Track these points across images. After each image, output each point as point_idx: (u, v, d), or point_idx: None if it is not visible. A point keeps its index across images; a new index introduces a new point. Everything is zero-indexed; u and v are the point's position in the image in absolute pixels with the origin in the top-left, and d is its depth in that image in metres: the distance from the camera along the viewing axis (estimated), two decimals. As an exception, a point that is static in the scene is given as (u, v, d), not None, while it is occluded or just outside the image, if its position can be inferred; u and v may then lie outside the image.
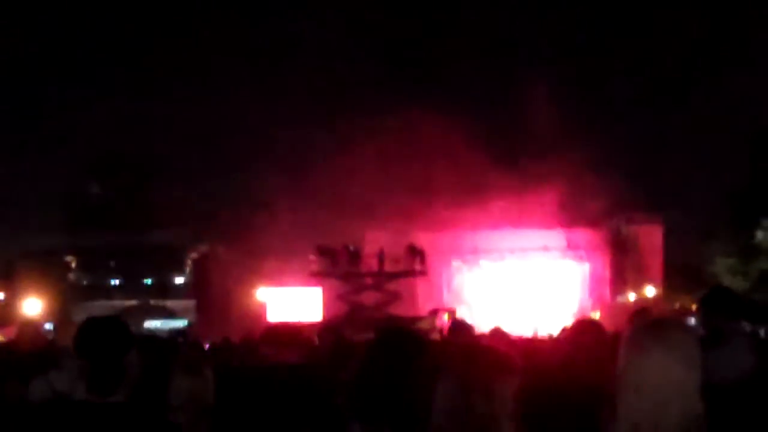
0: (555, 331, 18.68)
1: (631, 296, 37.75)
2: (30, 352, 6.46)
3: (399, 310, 32.97)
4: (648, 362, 2.84)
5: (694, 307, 38.78)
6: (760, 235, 38.51)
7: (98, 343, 3.35)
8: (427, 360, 3.78)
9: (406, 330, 4.21)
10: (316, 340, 8.99)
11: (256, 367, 6.09)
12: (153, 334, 17.05)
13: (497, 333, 8.75)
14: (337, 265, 35.72)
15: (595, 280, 37.46)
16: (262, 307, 36.46)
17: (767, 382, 4.42)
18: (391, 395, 3.61)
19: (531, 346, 9.72)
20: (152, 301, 43.17)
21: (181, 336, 17.93)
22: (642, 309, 6.67)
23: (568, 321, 16.90)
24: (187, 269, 44.51)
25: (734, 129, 41.56)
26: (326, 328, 10.03)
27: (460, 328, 8.74)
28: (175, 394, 5.61)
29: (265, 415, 4.88)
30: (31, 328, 7.99)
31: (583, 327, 5.08)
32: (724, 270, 38.89)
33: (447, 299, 35.93)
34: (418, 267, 34.98)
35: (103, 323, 3.45)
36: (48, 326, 28.48)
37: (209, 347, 13.17)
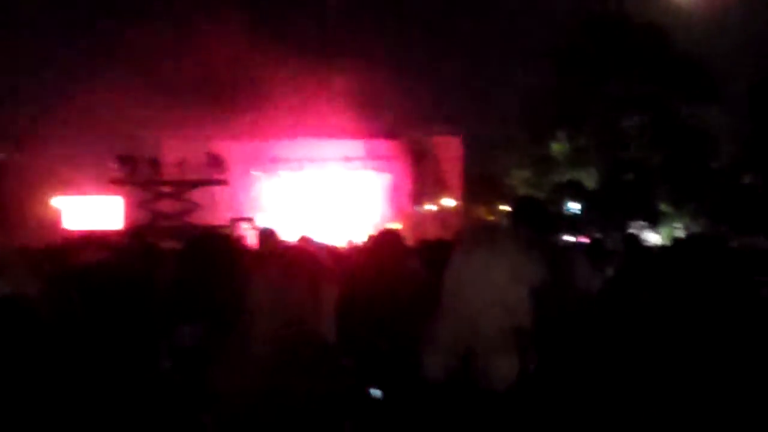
0: (357, 241, 19.01)
1: (432, 207, 38.57)
2: None
3: (199, 219, 32.70)
4: (471, 266, 2.82)
5: (491, 218, 40.12)
6: (554, 147, 39.59)
7: None
8: (239, 260, 3.82)
9: (219, 234, 4.21)
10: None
11: (70, 269, 5.88)
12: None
13: (306, 241, 8.86)
14: (136, 174, 35.02)
15: (395, 191, 38.10)
16: (58, 215, 35.53)
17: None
18: (210, 295, 3.70)
19: (338, 254, 9.81)
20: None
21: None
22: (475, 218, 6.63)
23: (370, 231, 17.09)
24: (-19, 176, 42.75)
25: (532, 41, 42.38)
26: (131, 233, 9.96)
27: (268, 235, 8.90)
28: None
29: (95, 313, 4.73)
30: None
31: (385, 237, 5.19)
32: (520, 182, 40.05)
33: (247, 209, 35.93)
34: (218, 176, 34.70)
35: None
36: None
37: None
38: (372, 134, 37.49)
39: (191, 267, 3.98)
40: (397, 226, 30.58)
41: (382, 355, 4.12)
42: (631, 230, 33.91)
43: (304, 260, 2.91)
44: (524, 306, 2.91)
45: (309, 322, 2.75)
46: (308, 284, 2.79)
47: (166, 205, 35.18)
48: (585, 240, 19.22)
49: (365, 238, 11.49)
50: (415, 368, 3.07)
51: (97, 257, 5.70)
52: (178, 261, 4.16)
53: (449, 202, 39.17)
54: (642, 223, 35.46)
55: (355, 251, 11.36)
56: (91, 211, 35.84)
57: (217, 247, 4.05)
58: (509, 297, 2.88)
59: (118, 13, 37.21)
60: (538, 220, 4.98)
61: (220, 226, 27.58)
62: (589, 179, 39.49)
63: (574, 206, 38.90)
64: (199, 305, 3.76)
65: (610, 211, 36.46)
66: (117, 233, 18.28)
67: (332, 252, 8.52)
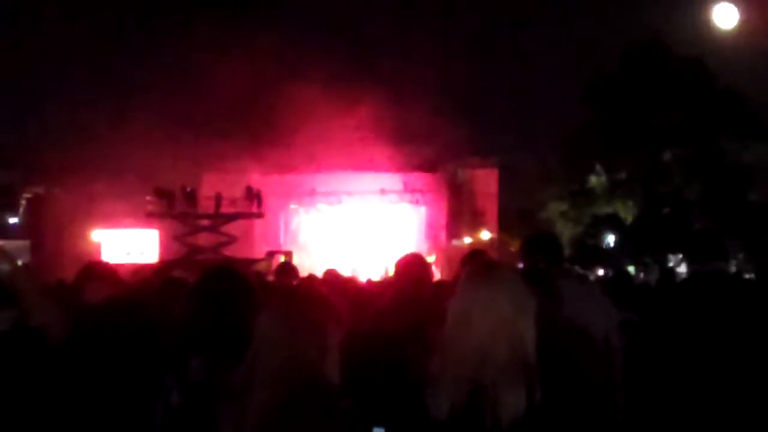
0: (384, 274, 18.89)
1: (467, 240, 38.38)
2: None
3: (236, 252, 32.75)
4: (476, 298, 2.82)
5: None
6: (593, 179, 39.44)
7: None
8: (250, 295, 3.86)
9: (229, 268, 4.29)
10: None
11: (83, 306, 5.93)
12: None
13: (330, 275, 8.80)
14: (173, 207, 35.21)
15: (431, 224, 38.01)
16: (97, 248, 35.77)
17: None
18: (218, 329, 3.65)
19: (361, 288, 9.71)
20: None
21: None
22: (476, 252, 6.65)
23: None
24: (21, 210, 43.22)
25: (569, 74, 42.32)
26: (157, 268, 10.04)
27: (285, 269, 8.85)
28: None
29: (106, 354, 4.74)
30: None
31: (409, 264, 5.06)
32: (557, 215, 39.88)
33: (284, 242, 35.96)
34: (255, 209, 34.78)
35: None
36: None
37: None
38: (409, 167, 37.47)
39: (201, 300, 3.92)
40: (431, 259, 30.47)
41: (386, 393, 4.11)
42: (669, 264, 33.69)
43: (311, 299, 2.91)
44: (529, 339, 2.88)
45: (313, 361, 2.74)
46: (314, 324, 2.79)
47: (202, 239, 35.31)
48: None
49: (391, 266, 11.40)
50: (420, 405, 3.01)
51: (111, 292, 5.68)
52: (189, 294, 4.15)
53: (485, 235, 39.00)
54: (679, 256, 35.08)
55: (382, 285, 11.30)
56: (128, 244, 36.09)
57: (229, 281, 4.00)
58: (514, 330, 2.87)
59: (156, 48, 37.50)
60: (548, 253, 4.91)
61: (256, 260, 27.61)
62: (627, 212, 39.28)
63: (610, 239, 38.73)
64: (208, 339, 3.71)
65: (648, 244, 36.18)
66: (143, 267, 18.22)
67: (354, 287, 8.39)
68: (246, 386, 2.76)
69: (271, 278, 15.61)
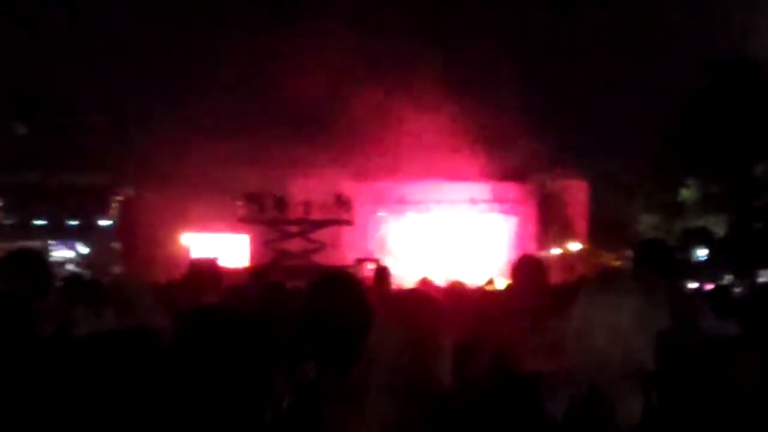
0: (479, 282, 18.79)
1: (556, 251, 38.13)
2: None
3: (324, 258, 32.89)
4: (596, 305, 2.85)
5: (617, 263, 39.42)
6: (684, 192, 39.03)
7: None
8: (364, 299, 3.92)
9: (342, 272, 4.40)
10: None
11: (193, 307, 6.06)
12: (78, 274, 16.82)
13: (426, 284, 8.81)
14: (263, 212, 35.46)
15: (520, 234, 37.75)
16: (186, 252, 36.18)
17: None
18: (332, 332, 3.71)
19: (460, 296, 9.68)
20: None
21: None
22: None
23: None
24: (113, 212, 44.01)
25: (663, 84, 41.79)
26: (255, 272, 10.21)
27: (383, 275, 8.85)
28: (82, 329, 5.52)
29: (215, 356, 4.84)
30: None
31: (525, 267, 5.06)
32: (648, 227, 39.47)
33: (372, 249, 35.99)
34: (344, 216, 34.87)
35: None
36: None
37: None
38: (499, 177, 37.29)
39: (317, 303, 3.98)
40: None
41: (497, 396, 4.07)
42: (761, 279, 33.06)
43: (425, 304, 2.93)
44: (648, 350, 2.85)
45: (427, 366, 2.76)
46: (428, 329, 2.80)
47: (291, 244, 35.48)
48: (710, 286, 18.87)
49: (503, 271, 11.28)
50: (535, 409, 2.97)
51: (220, 297, 5.75)
52: (305, 297, 4.16)
53: (575, 246, 38.70)
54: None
55: (478, 293, 11.23)
56: (218, 248, 36.41)
57: (345, 284, 4.05)
58: (634, 341, 2.83)
59: (249, 54, 37.81)
60: (662, 263, 4.77)
61: (345, 267, 27.67)
62: (718, 226, 38.74)
63: (701, 253, 38.23)
64: (320, 342, 3.77)
65: (739, 258, 35.60)
66: (240, 271, 18.41)
67: (453, 294, 8.34)
68: (360, 390, 2.78)
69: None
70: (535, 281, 4.92)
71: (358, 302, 3.87)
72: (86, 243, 43.47)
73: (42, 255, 5.26)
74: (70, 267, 35.90)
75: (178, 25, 41.60)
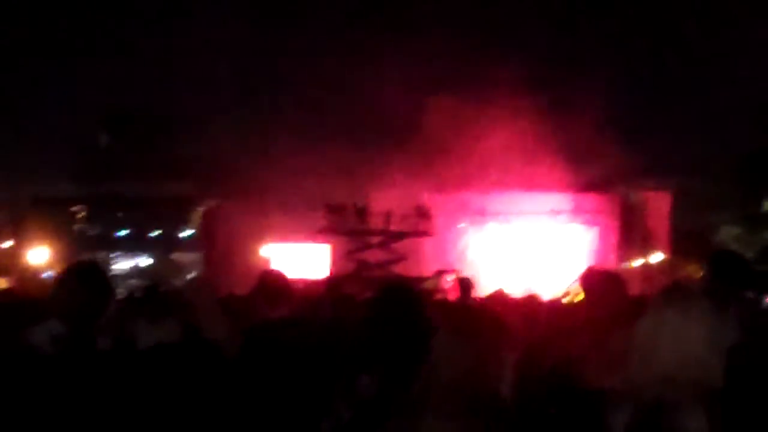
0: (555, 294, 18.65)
1: (638, 263, 37.71)
2: (30, 298, 6.45)
3: (404, 269, 32.95)
4: (665, 322, 2.86)
5: (701, 274, 38.86)
6: (767, 204, 38.46)
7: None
8: (425, 314, 3.92)
9: (403, 284, 4.38)
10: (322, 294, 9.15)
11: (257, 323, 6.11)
12: (142, 286, 16.96)
13: (500, 295, 8.78)
14: (344, 223, 35.66)
15: (602, 246, 37.37)
16: (266, 263, 36.48)
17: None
18: (393, 345, 3.76)
19: (534, 309, 9.67)
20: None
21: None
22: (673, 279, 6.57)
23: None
24: (195, 223, 44.40)
25: (745, 97, 41.07)
26: (328, 283, 10.18)
27: (466, 286, 8.90)
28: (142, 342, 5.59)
29: (277, 369, 4.92)
30: (30, 275, 7.99)
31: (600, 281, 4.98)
32: (730, 239, 38.86)
33: (452, 261, 35.93)
34: (424, 227, 34.91)
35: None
36: (51, 275, 28.42)
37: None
38: (580, 188, 36.98)
39: (378, 315, 3.99)
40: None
41: (560, 409, 4.06)
42: None
43: (486, 318, 3.01)
44: (718, 366, 2.83)
45: (488, 379, 2.79)
46: (489, 342, 2.83)
47: (372, 255, 35.59)
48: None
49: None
50: (596, 424, 2.99)
51: (285, 307, 5.77)
52: (366, 309, 4.17)
53: (656, 258, 38.22)
54: None
55: (552, 305, 11.10)
56: (298, 258, 36.66)
57: (404, 298, 4.05)
58: (702, 357, 2.81)
59: (333, 66, 38.08)
60: (736, 276, 4.65)
61: (424, 278, 27.68)
62: (802, 240, 38.07)
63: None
64: (382, 355, 3.78)
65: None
66: (315, 283, 18.44)
67: (527, 307, 8.24)
68: (420, 403, 2.80)
69: (439, 296, 15.55)
70: (607, 294, 4.80)
71: (416, 316, 3.88)
72: (160, 254, 43.90)
73: (101, 267, 5.22)
74: (132, 281, 36.19)
75: (266, 38, 41.91)
